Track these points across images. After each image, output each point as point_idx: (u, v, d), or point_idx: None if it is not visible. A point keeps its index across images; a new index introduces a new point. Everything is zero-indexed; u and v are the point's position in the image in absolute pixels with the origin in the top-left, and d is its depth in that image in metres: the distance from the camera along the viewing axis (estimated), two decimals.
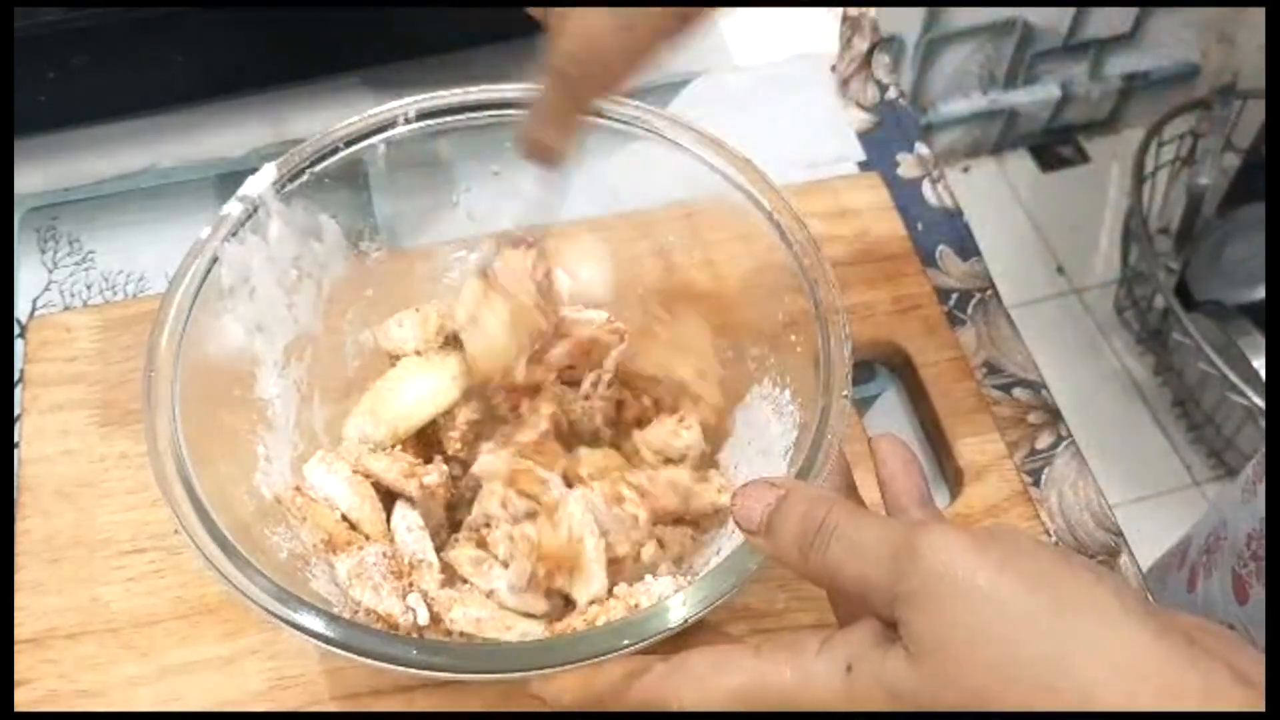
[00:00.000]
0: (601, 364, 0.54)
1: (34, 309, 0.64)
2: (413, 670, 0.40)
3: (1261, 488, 0.63)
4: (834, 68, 0.74)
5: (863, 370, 0.62)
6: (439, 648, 0.43)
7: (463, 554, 0.49)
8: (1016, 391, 0.62)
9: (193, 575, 0.53)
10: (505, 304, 0.50)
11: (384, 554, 0.48)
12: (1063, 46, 1.59)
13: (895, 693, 0.34)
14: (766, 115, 0.72)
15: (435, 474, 0.51)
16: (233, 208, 0.50)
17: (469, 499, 0.52)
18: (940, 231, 0.67)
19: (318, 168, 0.52)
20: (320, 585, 0.47)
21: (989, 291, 0.65)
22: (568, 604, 0.49)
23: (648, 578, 0.48)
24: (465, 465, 0.52)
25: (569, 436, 0.54)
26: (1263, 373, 1.25)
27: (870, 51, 0.75)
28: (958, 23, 1.50)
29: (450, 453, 0.53)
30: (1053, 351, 1.45)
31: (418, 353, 0.54)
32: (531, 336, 0.51)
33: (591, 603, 0.48)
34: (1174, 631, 0.32)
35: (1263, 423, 1.27)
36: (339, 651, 0.40)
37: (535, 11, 0.48)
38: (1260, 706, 0.30)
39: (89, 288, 0.65)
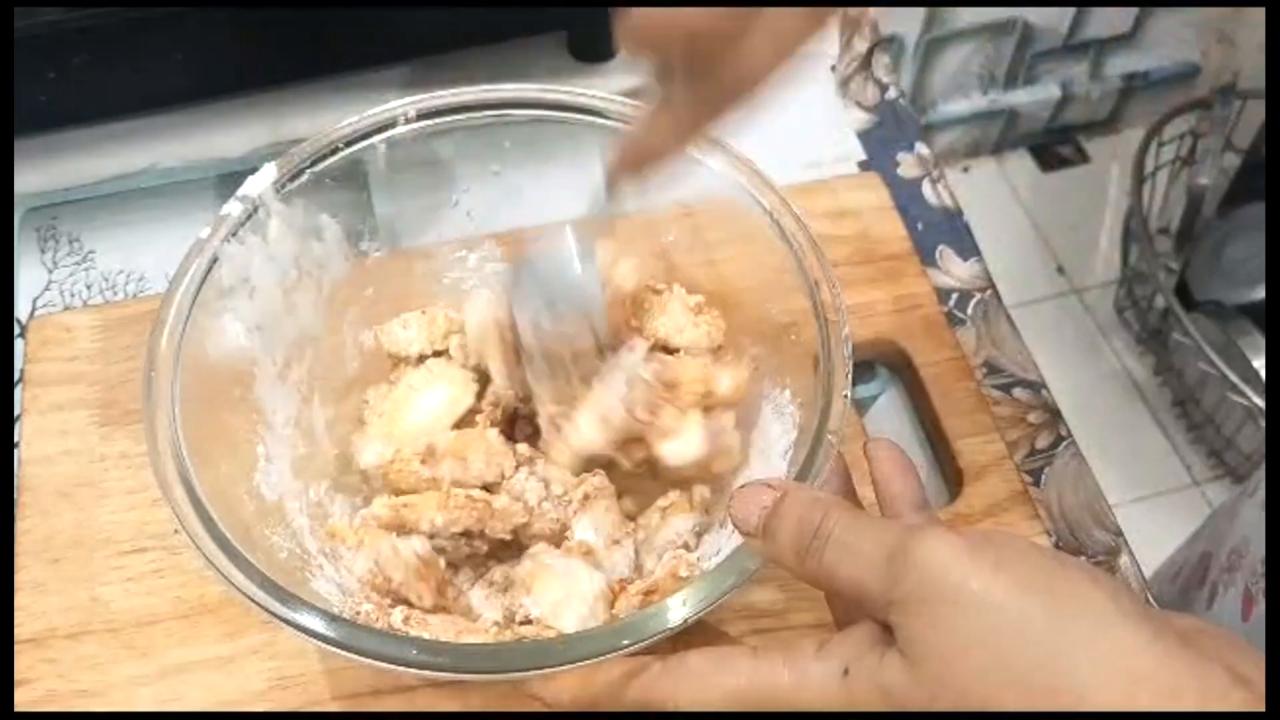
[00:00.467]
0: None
1: (34, 309, 0.64)
2: (413, 670, 0.40)
3: None
4: (834, 68, 0.74)
5: (863, 370, 0.62)
6: (439, 648, 0.43)
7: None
8: (1016, 391, 0.62)
9: (193, 575, 0.53)
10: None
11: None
12: (1063, 46, 1.59)
13: (891, 696, 0.34)
14: (766, 115, 0.72)
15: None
16: (233, 208, 0.50)
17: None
18: (940, 231, 0.67)
19: (318, 167, 0.52)
20: (320, 585, 0.47)
21: (989, 291, 0.65)
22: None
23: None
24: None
25: None
26: (1263, 373, 1.25)
27: (870, 51, 0.75)
28: (958, 23, 1.50)
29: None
30: (1053, 351, 1.45)
31: (422, 356, 0.54)
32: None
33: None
34: (1170, 634, 0.32)
35: (1263, 423, 1.27)
36: (339, 651, 0.40)
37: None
38: (1257, 708, 0.30)
39: (89, 288, 0.65)
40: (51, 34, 0.58)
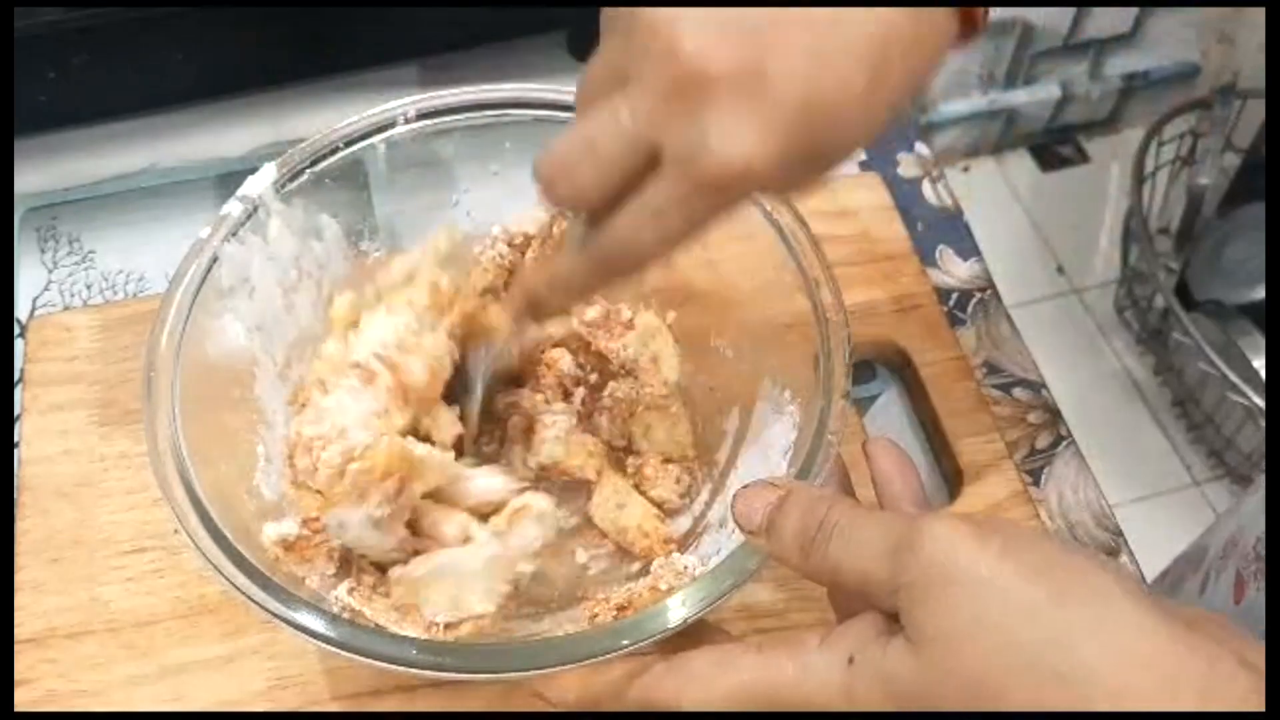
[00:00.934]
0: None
1: (34, 309, 0.64)
2: (413, 670, 0.40)
3: None
4: None
5: (863, 370, 0.62)
6: (439, 647, 0.43)
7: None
8: (1016, 391, 0.62)
9: (193, 575, 0.53)
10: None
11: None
12: (1063, 46, 1.58)
13: (897, 683, 0.34)
14: None
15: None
16: (233, 207, 0.50)
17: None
18: (940, 231, 0.67)
19: (318, 167, 0.52)
20: (318, 583, 0.47)
21: (989, 291, 0.65)
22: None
23: (675, 555, 0.49)
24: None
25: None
26: (1263, 373, 1.25)
27: None
28: None
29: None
30: (1053, 351, 1.45)
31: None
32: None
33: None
34: (1176, 619, 0.32)
35: (1263, 423, 1.27)
36: (339, 651, 0.40)
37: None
38: (1261, 690, 0.30)
39: (89, 287, 0.65)
40: (51, 34, 0.58)
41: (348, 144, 0.52)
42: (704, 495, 0.54)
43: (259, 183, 0.50)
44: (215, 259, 0.49)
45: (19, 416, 0.59)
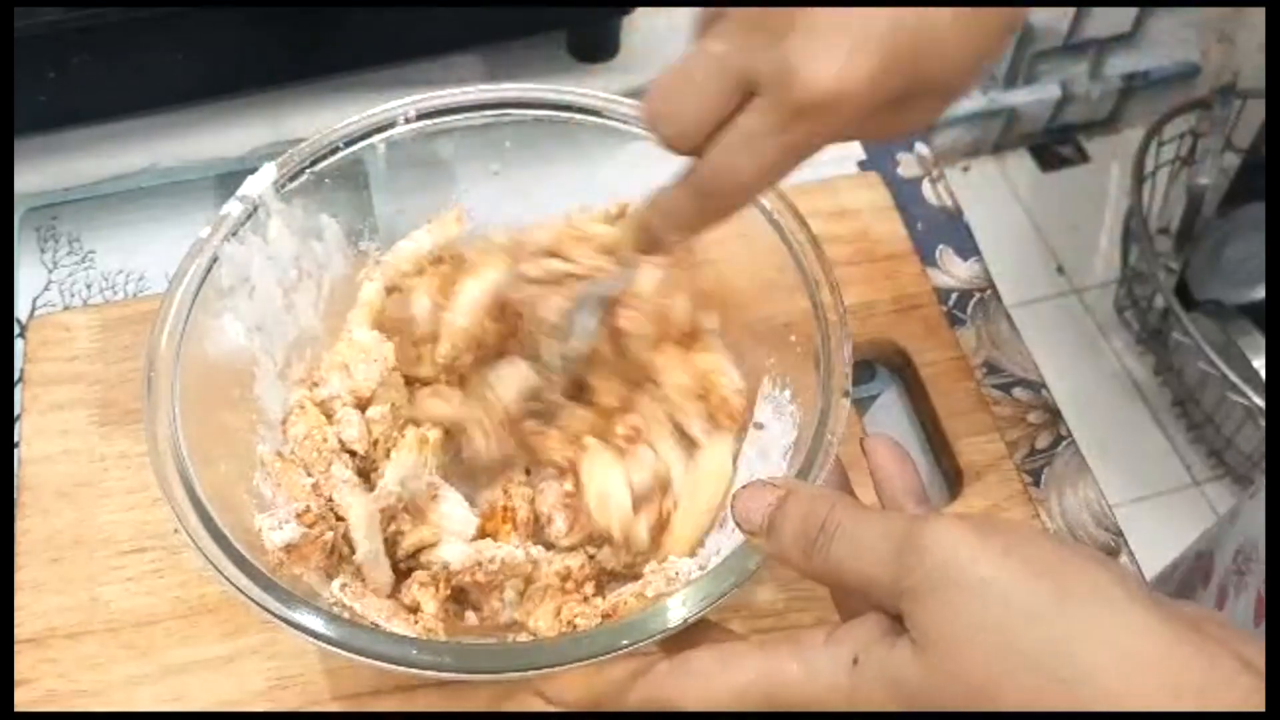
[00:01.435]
0: None
1: (34, 309, 0.64)
2: (413, 670, 0.40)
3: None
4: None
5: (863, 370, 0.62)
6: (439, 647, 0.43)
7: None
8: (1016, 391, 0.62)
9: (193, 575, 0.53)
10: None
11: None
12: (1063, 46, 1.58)
13: (901, 684, 0.34)
14: None
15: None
16: (233, 207, 0.50)
17: None
18: (940, 231, 0.67)
19: (318, 167, 0.52)
20: (317, 580, 0.47)
21: (989, 291, 0.65)
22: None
23: (670, 558, 0.49)
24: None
25: None
26: (1263, 373, 1.25)
27: None
28: None
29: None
30: (1053, 351, 1.45)
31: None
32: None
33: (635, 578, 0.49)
34: (1178, 618, 0.32)
35: (1263, 423, 1.27)
36: (339, 651, 0.40)
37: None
38: (1262, 691, 0.30)
39: (89, 287, 0.65)
40: (51, 34, 0.58)
41: (348, 144, 0.52)
42: None
43: (259, 182, 0.50)
44: (215, 259, 0.49)
45: (19, 416, 0.59)
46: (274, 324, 0.52)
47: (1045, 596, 0.32)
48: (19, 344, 0.62)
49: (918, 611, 0.34)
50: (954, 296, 0.65)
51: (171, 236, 0.62)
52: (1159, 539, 0.83)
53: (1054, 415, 0.61)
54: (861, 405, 0.62)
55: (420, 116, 0.53)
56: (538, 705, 0.41)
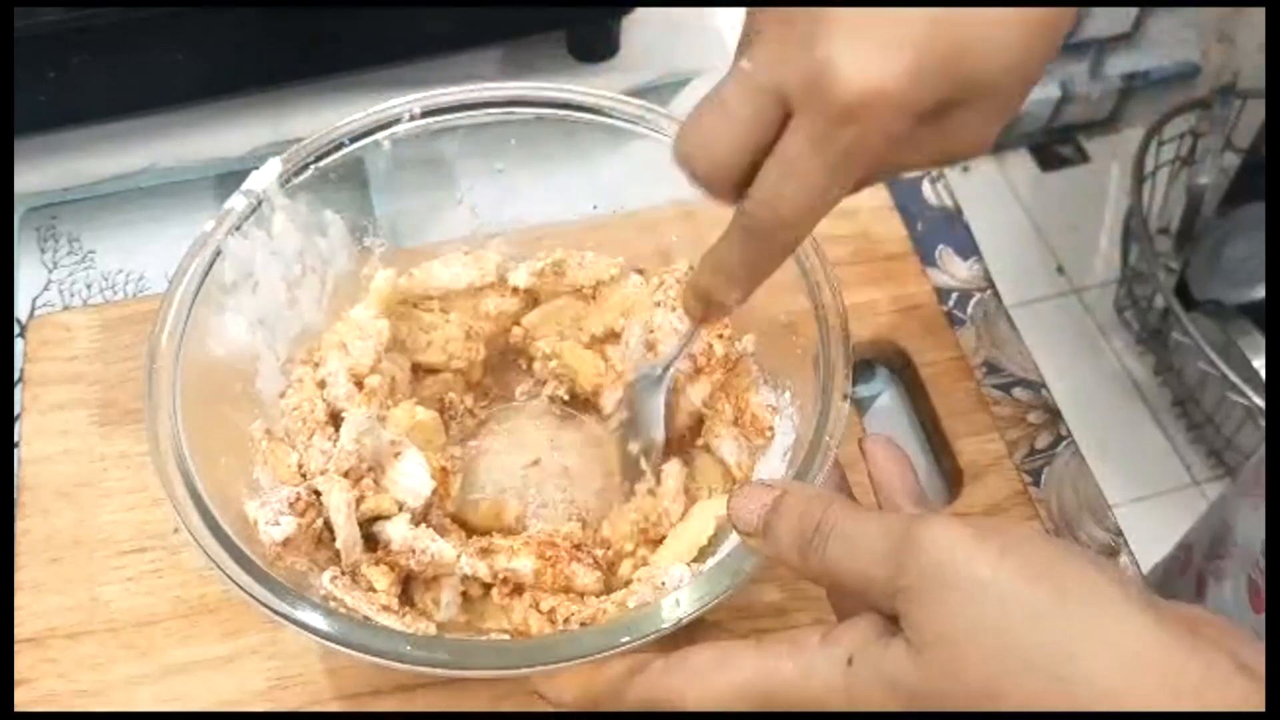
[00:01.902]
0: None
1: (34, 309, 0.64)
2: (410, 667, 0.40)
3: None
4: None
5: (863, 370, 0.62)
6: (436, 644, 0.43)
7: None
8: (1016, 391, 0.62)
9: (193, 575, 0.53)
10: None
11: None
12: (1063, 46, 1.58)
13: (897, 685, 0.34)
14: None
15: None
16: (237, 202, 0.50)
17: None
18: (940, 231, 0.67)
19: (322, 163, 0.52)
20: (308, 571, 0.47)
21: (989, 291, 0.65)
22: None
23: (662, 567, 0.49)
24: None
25: None
26: (1263, 373, 1.25)
27: None
28: None
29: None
30: (1053, 351, 1.45)
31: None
32: None
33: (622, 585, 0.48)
34: (1175, 620, 0.32)
35: (1263, 423, 1.27)
36: (337, 647, 0.40)
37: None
38: (1259, 695, 0.30)
39: (89, 287, 0.65)
40: (51, 34, 0.58)
41: (352, 140, 0.52)
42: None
43: (263, 177, 0.50)
44: (219, 253, 0.49)
45: (19, 416, 0.59)
46: (277, 319, 0.52)
47: (1043, 598, 0.32)
48: (19, 344, 0.62)
49: (913, 611, 0.34)
50: (954, 296, 0.65)
51: (171, 236, 0.62)
52: (1159, 539, 0.83)
53: (1054, 415, 0.61)
54: (861, 405, 0.62)
55: (425, 114, 0.52)
56: (537, 705, 0.41)
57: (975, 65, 0.35)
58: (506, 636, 0.47)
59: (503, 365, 0.58)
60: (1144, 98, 1.68)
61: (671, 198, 0.53)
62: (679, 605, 0.40)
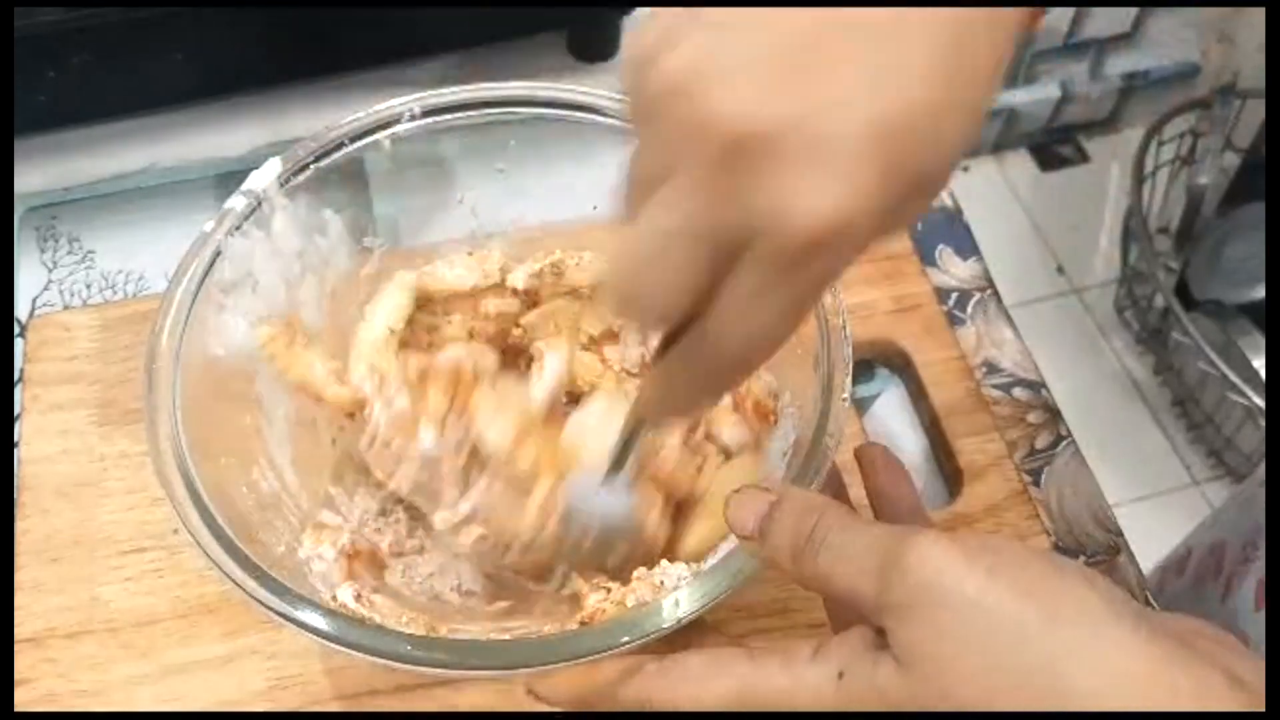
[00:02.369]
0: None
1: (34, 309, 0.64)
2: (409, 666, 0.40)
3: None
4: None
5: (863, 370, 0.62)
6: (434, 643, 0.43)
7: None
8: (1016, 391, 0.62)
9: (192, 575, 0.53)
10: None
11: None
12: (1063, 46, 1.58)
13: (886, 701, 0.34)
14: None
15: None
16: (236, 201, 0.50)
17: None
18: (940, 231, 0.67)
19: (322, 163, 0.51)
20: (315, 577, 0.47)
21: (989, 291, 0.65)
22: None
23: (664, 563, 0.48)
24: None
25: None
26: (1263, 373, 1.25)
27: None
28: None
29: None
30: (1053, 351, 1.45)
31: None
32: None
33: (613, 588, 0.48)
34: (1167, 636, 0.32)
35: (1263, 423, 1.27)
36: (336, 647, 0.40)
37: None
38: (1253, 709, 0.30)
39: (89, 287, 0.65)
40: (51, 34, 0.58)
41: (352, 139, 0.52)
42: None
43: (263, 177, 0.50)
44: (218, 252, 0.49)
45: (19, 416, 0.59)
46: (277, 318, 0.52)
47: (1032, 617, 0.32)
48: (19, 344, 0.62)
49: (900, 629, 0.34)
50: (954, 296, 0.65)
51: (171, 236, 0.62)
52: (1158, 539, 0.83)
53: (1054, 415, 0.61)
54: (861, 405, 0.62)
55: (425, 113, 0.52)
56: (535, 705, 0.41)
57: (928, 156, 0.31)
58: (508, 635, 0.48)
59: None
60: (1144, 98, 1.68)
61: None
62: (678, 605, 0.40)
